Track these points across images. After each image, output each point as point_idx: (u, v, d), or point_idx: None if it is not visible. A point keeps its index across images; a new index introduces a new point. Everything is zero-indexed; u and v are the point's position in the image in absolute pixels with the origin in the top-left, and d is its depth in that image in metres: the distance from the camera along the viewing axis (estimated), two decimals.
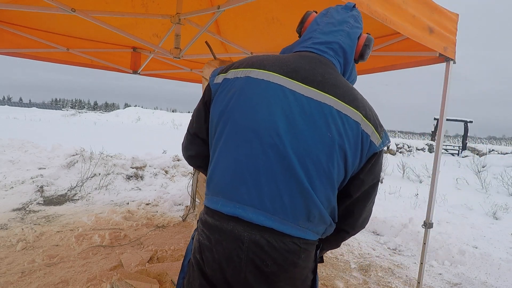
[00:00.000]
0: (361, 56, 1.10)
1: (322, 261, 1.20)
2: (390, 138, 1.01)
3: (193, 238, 1.08)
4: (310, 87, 0.92)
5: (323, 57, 1.01)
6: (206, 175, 1.06)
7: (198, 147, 1.09)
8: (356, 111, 0.92)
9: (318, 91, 0.92)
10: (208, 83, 1.03)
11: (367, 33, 1.12)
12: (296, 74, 0.93)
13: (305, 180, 0.88)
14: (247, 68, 0.96)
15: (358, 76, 1.20)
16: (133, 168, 6.06)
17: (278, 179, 0.88)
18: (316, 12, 1.16)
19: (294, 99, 0.90)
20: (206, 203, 0.97)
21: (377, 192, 1.06)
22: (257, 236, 0.88)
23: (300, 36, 1.15)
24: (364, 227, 1.08)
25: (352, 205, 1.00)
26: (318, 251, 1.02)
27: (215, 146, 0.97)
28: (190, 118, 1.11)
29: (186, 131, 1.13)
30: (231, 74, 0.98)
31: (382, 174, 8.58)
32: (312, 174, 0.89)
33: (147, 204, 4.69)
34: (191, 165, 1.18)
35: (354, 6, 1.11)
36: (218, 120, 0.96)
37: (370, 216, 1.08)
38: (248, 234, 0.88)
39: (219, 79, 1.00)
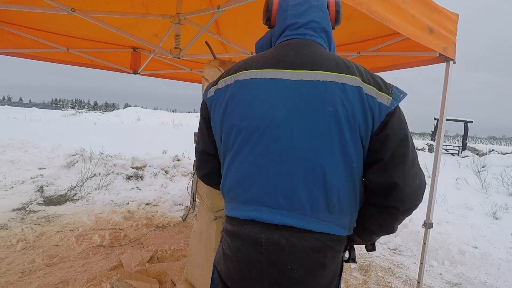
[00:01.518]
0: (336, 21, 1.07)
1: (354, 261, 1.08)
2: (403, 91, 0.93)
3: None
4: (298, 70, 0.89)
5: (304, 40, 0.99)
6: None
7: (209, 164, 1.08)
8: (352, 76, 0.87)
9: (308, 71, 0.89)
10: (203, 100, 1.04)
11: None
12: (281, 63, 0.92)
13: (318, 166, 0.83)
14: (235, 73, 0.96)
15: None
16: (133, 168, 6.06)
17: (288, 173, 0.84)
18: None
19: (286, 87, 0.88)
20: (225, 212, 0.96)
21: (416, 156, 0.92)
22: (276, 236, 0.83)
23: (270, 27, 1.11)
24: (417, 202, 0.91)
25: (390, 172, 0.87)
26: (344, 253, 0.97)
27: (223, 157, 0.96)
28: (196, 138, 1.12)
29: (195, 152, 1.13)
30: (221, 83, 0.98)
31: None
32: (326, 157, 0.83)
33: (147, 204, 4.70)
34: (208, 185, 1.16)
35: None
36: (221, 130, 0.95)
37: (423, 188, 0.91)
38: (265, 236, 0.83)
39: (211, 92, 1.00)
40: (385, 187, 0.88)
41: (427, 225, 2.27)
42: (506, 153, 16.33)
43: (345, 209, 0.87)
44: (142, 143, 12.54)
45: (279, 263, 0.83)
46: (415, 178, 0.89)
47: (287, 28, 1.02)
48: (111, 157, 6.40)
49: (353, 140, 0.85)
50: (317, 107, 0.85)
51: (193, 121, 33.21)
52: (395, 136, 0.87)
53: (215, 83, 1.01)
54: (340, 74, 0.87)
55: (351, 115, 0.84)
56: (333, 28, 1.07)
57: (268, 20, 1.09)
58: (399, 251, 3.67)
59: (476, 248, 3.67)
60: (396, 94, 0.89)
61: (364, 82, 0.87)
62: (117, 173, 5.68)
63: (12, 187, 4.75)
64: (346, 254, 1.03)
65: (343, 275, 2.90)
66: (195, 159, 1.15)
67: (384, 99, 0.87)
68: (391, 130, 0.86)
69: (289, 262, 0.82)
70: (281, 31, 1.03)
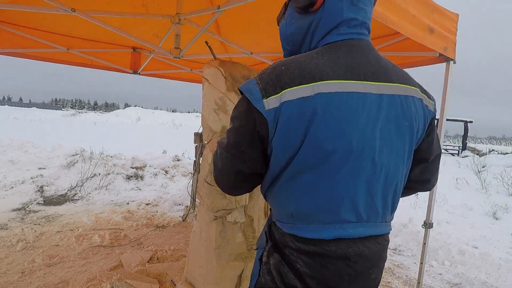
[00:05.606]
0: None
1: None
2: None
3: (261, 270, 0.99)
4: (378, 83, 0.85)
5: (364, 41, 0.92)
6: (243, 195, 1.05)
7: (254, 184, 0.96)
8: (415, 88, 0.91)
9: (386, 83, 0.86)
10: (257, 111, 0.81)
11: None
12: (360, 72, 0.84)
13: (394, 177, 0.89)
14: (311, 83, 0.80)
15: None
16: (133, 168, 6.06)
17: (372, 190, 0.87)
18: None
19: (372, 102, 0.83)
20: (296, 233, 0.88)
21: None
22: (361, 247, 0.87)
23: (306, 11, 0.91)
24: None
25: (428, 170, 1.03)
26: None
27: (293, 176, 0.86)
28: (228, 153, 0.88)
29: (225, 170, 0.92)
30: (291, 94, 0.80)
31: None
32: (399, 168, 0.90)
33: (147, 204, 4.70)
34: (232, 195, 1.06)
35: None
36: (297, 149, 0.82)
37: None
38: (352, 250, 0.86)
39: (273, 103, 0.80)
40: (423, 181, 1.05)
41: (427, 225, 2.27)
42: (506, 153, 16.33)
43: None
44: (142, 143, 12.54)
45: (363, 271, 0.88)
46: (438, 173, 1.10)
47: (342, 24, 0.89)
48: (111, 157, 6.40)
49: (412, 149, 0.93)
50: (395, 121, 0.86)
51: (193, 121, 33.20)
52: (436, 138, 1.01)
53: (276, 91, 0.80)
54: (409, 87, 0.90)
55: (418, 128, 0.91)
56: None
57: (311, 5, 0.88)
58: (399, 251, 3.67)
59: (476, 248, 3.67)
60: (433, 98, 0.99)
61: (420, 92, 0.93)
62: (117, 173, 5.68)
63: (12, 187, 4.75)
64: None
65: None
66: (222, 177, 0.95)
67: (430, 104, 0.95)
68: (434, 133, 0.99)
69: (370, 267, 0.89)
70: (333, 26, 0.89)
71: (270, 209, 1.04)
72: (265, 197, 1.00)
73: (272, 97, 0.80)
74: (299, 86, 0.80)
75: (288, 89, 0.80)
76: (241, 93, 0.85)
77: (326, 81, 0.80)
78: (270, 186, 0.93)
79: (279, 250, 0.92)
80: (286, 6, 1.01)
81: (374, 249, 0.90)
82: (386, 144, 0.86)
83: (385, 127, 0.85)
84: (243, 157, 0.87)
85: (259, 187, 1.02)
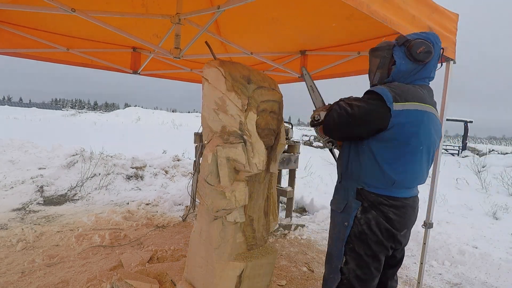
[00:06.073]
0: None
1: None
2: None
3: (354, 223, 1.54)
4: (434, 108, 1.55)
5: (429, 87, 1.62)
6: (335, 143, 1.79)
7: (349, 136, 1.60)
8: (437, 111, 1.61)
9: (434, 108, 1.56)
10: (386, 107, 1.40)
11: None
12: (429, 101, 1.52)
13: (431, 163, 1.65)
14: (420, 102, 1.45)
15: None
16: (133, 168, 6.06)
17: (425, 169, 1.58)
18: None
19: (434, 119, 1.53)
20: (391, 194, 1.51)
21: None
22: (415, 202, 1.63)
23: (416, 60, 1.50)
24: None
25: None
26: None
27: (401, 153, 1.47)
28: (351, 118, 1.46)
29: (341, 126, 1.51)
30: (410, 106, 1.42)
31: None
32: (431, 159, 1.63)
33: (147, 204, 4.70)
34: (333, 136, 1.68)
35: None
36: (408, 138, 1.44)
37: None
38: (414, 203, 1.62)
39: (398, 106, 1.40)
40: None
41: (427, 225, 2.27)
42: (506, 153, 16.34)
43: None
44: (142, 143, 12.53)
45: (416, 213, 1.66)
46: None
47: (429, 78, 1.59)
48: (111, 157, 6.40)
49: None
50: (435, 128, 1.55)
51: (193, 121, 33.16)
52: None
53: (401, 100, 1.41)
54: (436, 109, 1.60)
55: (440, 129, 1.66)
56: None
57: (422, 62, 1.51)
58: None
59: (476, 248, 3.66)
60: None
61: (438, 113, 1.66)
62: (117, 173, 5.68)
63: (12, 187, 4.75)
64: None
65: None
66: (335, 129, 1.57)
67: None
68: None
69: (417, 210, 1.67)
70: (425, 77, 1.57)
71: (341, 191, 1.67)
72: (352, 170, 1.58)
73: (399, 103, 1.40)
74: (412, 102, 1.43)
75: (409, 102, 1.42)
76: (372, 93, 1.46)
77: (423, 104, 1.47)
78: (369, 161, 1.51)
79: (375, 207, 1.51)
80: (392, 46, 1.57)
81: (417, 201, 1.68)
82: (432, 143, 1.54)
83: (434, 130, 1.54)
84: (360, 125, 1.48)
85: (256, 186, 1.41)
